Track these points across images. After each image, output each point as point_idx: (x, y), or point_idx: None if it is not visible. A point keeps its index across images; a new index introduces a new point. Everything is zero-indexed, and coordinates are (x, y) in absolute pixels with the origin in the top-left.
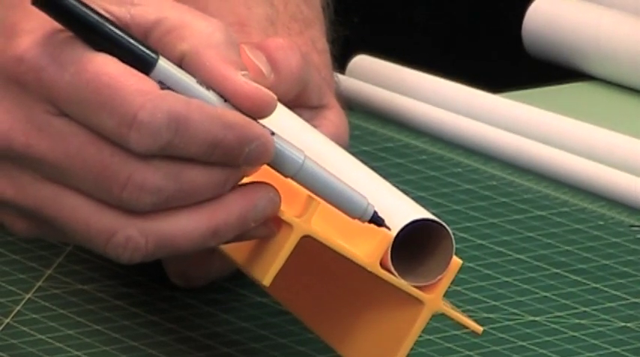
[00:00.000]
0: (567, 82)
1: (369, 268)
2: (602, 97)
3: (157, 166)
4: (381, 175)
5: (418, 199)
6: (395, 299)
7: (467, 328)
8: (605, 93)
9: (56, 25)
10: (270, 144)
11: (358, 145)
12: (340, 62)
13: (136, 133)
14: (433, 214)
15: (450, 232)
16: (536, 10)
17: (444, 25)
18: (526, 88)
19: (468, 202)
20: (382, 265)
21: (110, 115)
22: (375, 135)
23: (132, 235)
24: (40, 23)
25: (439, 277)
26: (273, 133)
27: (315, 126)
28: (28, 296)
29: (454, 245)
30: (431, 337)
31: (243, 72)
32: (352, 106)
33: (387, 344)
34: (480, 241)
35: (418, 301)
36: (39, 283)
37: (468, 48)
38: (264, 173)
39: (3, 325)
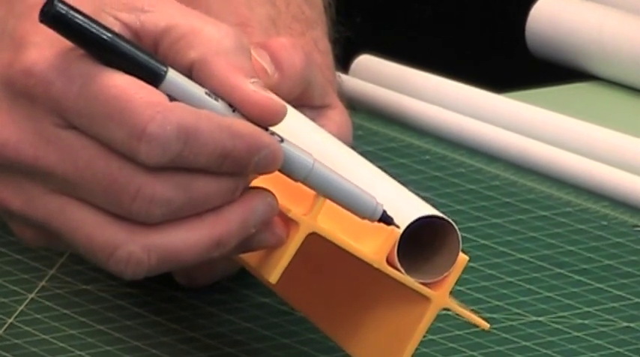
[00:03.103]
0: (570, 82)
1: (375, 265)
2: (606, 97)
3: (166, 178)
4: (386, 173)
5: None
6: (402, 296)
7: (473, 324)
8: (608, 93)
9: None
10: (279, 152)
11: (361, 145)
12: (343, 62)
13: (146, 146)
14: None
15: (457, 228)
16: (540, 10)
17: (447, 25)
18: (529, 88)
19: (471, 203)
20: (389, 262)
21: (119, 128)
22: (378, 135)
23: (134, 251)
24: (48, 35)
25: (446, 274)
26: (282, 140)
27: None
28: (31, 296)
29: (461, 242)
30: (434, 337)
31: (253, 80)
32: (355, 106)
33: (394, 341)
34: (483, 241)
35: (425, 298)
36: (42, 283)
37: (471, 48)
38: (269, 175)
39: (6, 325)
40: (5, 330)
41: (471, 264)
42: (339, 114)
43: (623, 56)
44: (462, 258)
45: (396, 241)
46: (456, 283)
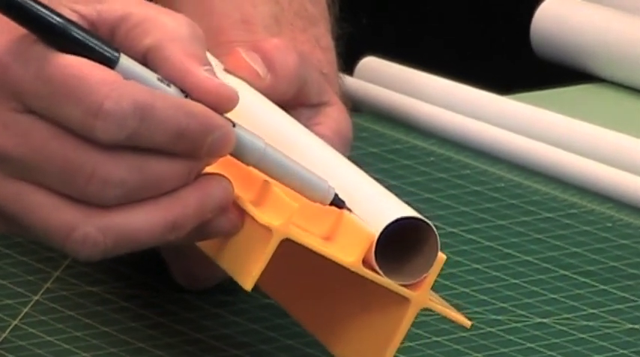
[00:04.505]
0: (575, 84)
1: (351, 269)
2: (611, 99)
3: (121, 159)
4: (371, 175)
5: (426, 201)
6: (382, 297)
7: (455, 322)
8: (613, 95)
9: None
10: (232, 134)
11: (366, 146)
12: (348, 64)
13: (102, 122)
14: (435, 215)
15: (434, 228)
16: (545, 12)
17: (452, 27)
18: (534, 89)
19: (476, 204)
20: (367, 264)
21: (76, 106)
22: (383, 137)
23: (90, 232)
24: (4, 23)
25: (425, 275)
26: (234, 125)
27: (316, 124)
28: (36, 298)
29: (439, 242)
30: (439, 339)
31: (205, 67)
32: (360, 107)
33: (376, 342)
34: (488, 243)
35: (404, 299)
36: (47, 285)
37: (476, 49)
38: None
39: (11, 327)
40: (10, 331)
41: (476, 266)
42: (337, 111)
43: (628, 58)
44: (441, 257)
45: (372, 243)
46: (461, 285)
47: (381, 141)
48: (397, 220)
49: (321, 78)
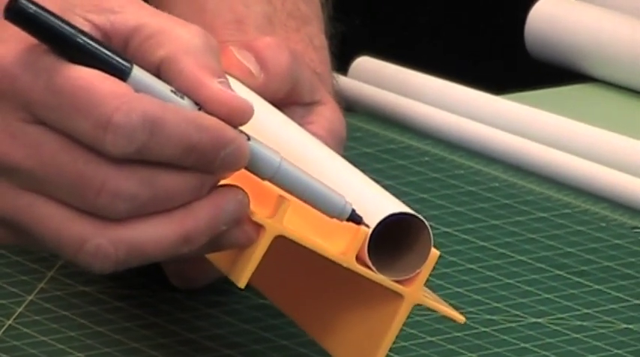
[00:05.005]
0: (569, 84)
1: (344, 265)
2: (604, 99)
3: (131, 172)
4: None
5: (420, 201)
6: (375, 294)
7: (449, 319)
8: (606, 95)
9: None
10: (245, 148)
11: (360, 146)
12: (342, 64)
13: (112, 135)
14: (430, 215)
15: (427, 224)
16: (539, 12)
17: (446, 27)
18: (528, 89)
19: (470, 204)
20: (360, 260)
21: (85, 118)
22: (377, 137)
23: (102, 244)
24: (14, 32)
25: (418, 271)
26: (248, 138)
27: (309, 123)
28: (30, 298)
29: (432, 238)
30: (433, 339)
31: (220, 79)
32: (354, 107)
33: (369, 338)
34: (482, 243)
35: (398, 295)
36: (41, 285)
37: (470, 49)
38: (237, 174)
39: (5, 327)
40: (4, 331)
41: (470, 265)
42: (329, 110)
43: (621, 58)
44: (434, 253)
45: (366, 239)
46: (455, 285)
47: (375, 141)
48: (390, 216)
49: (314, 77)
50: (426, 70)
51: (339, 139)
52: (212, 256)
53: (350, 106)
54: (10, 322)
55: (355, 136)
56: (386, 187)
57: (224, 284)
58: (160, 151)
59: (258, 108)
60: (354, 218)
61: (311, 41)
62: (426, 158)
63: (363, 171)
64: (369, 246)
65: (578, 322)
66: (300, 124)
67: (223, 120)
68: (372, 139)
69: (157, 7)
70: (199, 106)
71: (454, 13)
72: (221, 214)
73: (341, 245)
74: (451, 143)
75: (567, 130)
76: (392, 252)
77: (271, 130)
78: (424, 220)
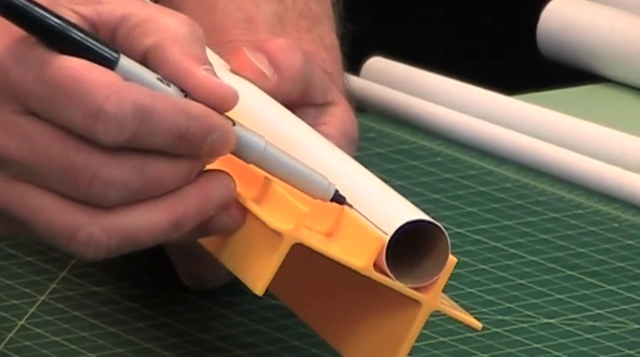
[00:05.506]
0: (581, 85)
1: (362, 272)
2: (616, 100)
3: (122, 161)
4: (377, 175)
5: (432, 202)
6: (392, 300)
7: (466, 325)
8: (619, 95)
9: (20, 29)
10: (232, 133)
11: (372, 147)
12: (354, 64)
13: (103, 124)
14: (442, 216)
15: (445, 231)
16: (551, 13)
17: (458, 27)
18: (540, 90)
19: (483, 205)
20: (377, 267)
21: (76, 108)
22: (389, 137)
23: (94, 233)
24: (4, 25)
25: (436, 277)
26: (233, 123)
27: (321, 124)
28: (42, 298)
29: (449, 245)
30: (445, 340)
31: (205, 67)
32: (366, 108)
33: (387, 345)
34: (494, 243)
35: (415, 302)
36: (53, 285)
37: (483, 50)
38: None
39: (17, 327)
40: (16, 332)
41: (482, 266)
42: (342, 110)
43: (633, 58)
44: (452, 260)
45: (383, 246)
46: (467, 286)
47: (387, 141)
48: (408, 223)
49: (326, 77)
50: (438, 70)
51: (351, 140)
52: (227, 263)
53: (362, 106)
54: (22, 322)
55: (367, 136)
56: (398, 188)
57: (236, 285)
58: (151, 139)
59: (270, 110)
60: (338, 198)
61: (322, 41)
62: (438, 159)
63: (375, 171)
64: (386, 253)
65: (590, 323)
66: (313, 125)
67: (209, 107)
68: (384, 139)
69: (164, 5)
70: (185, 93)
71: (466, 13)
72: (209, 200)
73: (357, 252)
74: (463, 144)
75: (579, 131)
76: (409, 258)
77: (283, 133)
78: (442, 227)
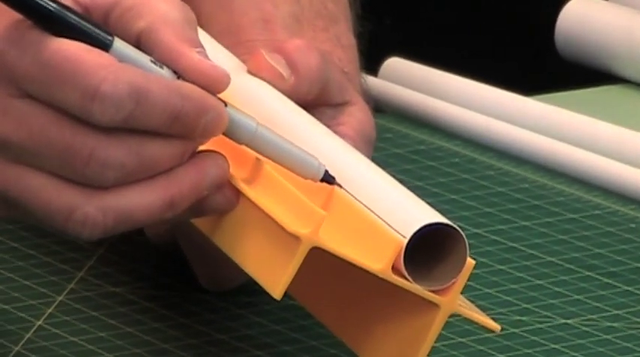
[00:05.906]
0: (600, 85)
1: (380, 275)
2: (635, 100)
3: (118, 141)
4: (394, 176)
5: (450, 202)
6: (410, 303)
7: (484, 327)
8: (637, 96)
9: (16, 12)
10: (225, 115)
11: (390, 147)
12: (373, 64)
13: (100, 105)
14: (459, 216)
15: (463, 234)
16: (569, 13)
17: (476, 28)
18: (558, 90)
19: (500, 205)
20: (395, 269)
21: (73, 90)
22: (407, 138)
23: (90, 212)
24: (0, 11)
25: (454, 280)
26: (225, 105)
27: (339, 124)
28: (59, 298)
29: (468, 247)
30: (463, 340)
31: (198, 49)
32: (384, 108)
33: (405, 347)
34: (511, 244)
35: (434, 305)
36: (70, 286)
37: (501, 50)
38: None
39: (35, 328)
40: (34, 332)
41: (500, 267)
42: (359, 110)
43: None
44: (470, 263)
45: (401, 249)
46: (485, 286)
47: (405, 142)
48: (426, 226)
49: (343, 77)
50: (456, 71)
51: (368, 139)
52: (245, 266)
53: (380, 106)
54: (40, 322)
55: (385, 136)
56: (415, 188)
57: (254, 285)
58: (146, 120)
59: (287, 111)
60: (328, 179)
61: (339, 40)
62: (456, 159)
63: (393, 172)
64: (404, 256)
65: (608, 324)
66: (330, 126)
67: (202, 88)
68: (402, 140)
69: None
70: (178, 75)
71: (484, 13)
72: (203, 179)
73: (375, 255)
74: (481, 144)
75: (597, 131)
76: (427, 261)
77: (300, 135)
78: (459, 229)
